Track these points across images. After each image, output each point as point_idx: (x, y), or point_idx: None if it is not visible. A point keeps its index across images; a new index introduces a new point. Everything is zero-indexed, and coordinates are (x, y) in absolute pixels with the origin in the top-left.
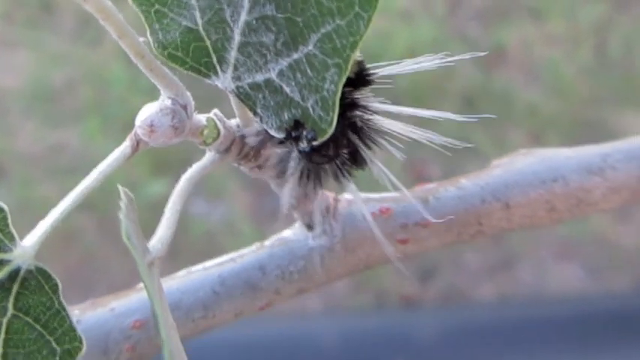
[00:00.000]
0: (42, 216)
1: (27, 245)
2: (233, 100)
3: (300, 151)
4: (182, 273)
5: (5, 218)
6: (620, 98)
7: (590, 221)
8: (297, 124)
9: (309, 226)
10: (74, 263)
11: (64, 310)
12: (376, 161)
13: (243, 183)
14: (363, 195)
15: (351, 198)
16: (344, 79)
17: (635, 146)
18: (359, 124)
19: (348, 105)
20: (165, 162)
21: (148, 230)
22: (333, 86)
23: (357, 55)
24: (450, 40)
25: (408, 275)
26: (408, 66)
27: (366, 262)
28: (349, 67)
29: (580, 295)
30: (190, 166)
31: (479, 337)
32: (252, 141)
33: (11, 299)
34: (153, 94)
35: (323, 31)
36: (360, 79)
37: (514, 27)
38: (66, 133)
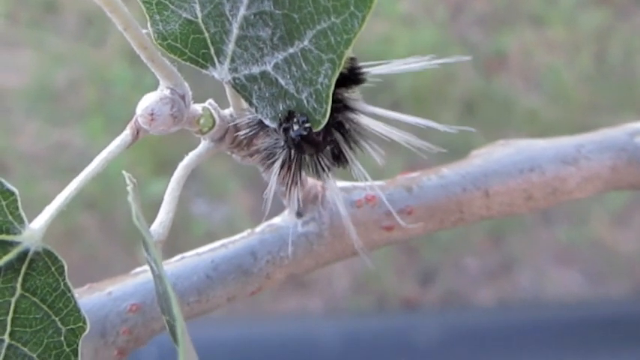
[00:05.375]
0: None
1: (35, 228)
2: (228, 91)
3: (289, 139)
4: (176, 258)
5: (15, 201)
6: (619, 105)
7: (589, 227)
8: (291, 115)
9: (298, 214)
10: (76, 261)
11: (70, 291)
12: (357, 162)
13: (245, 183)
14: (349, 183)
15: (338, 187)
16: (337, 74)
17: (607, 137)
18: (346, 125)
19: (339, 107)
20: (166, 161)
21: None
22: (327, 80)
23: (349, 54)
24: (450, 45)
25: (408, 278)
26: (397, 66)
27: (353, 248)
28: (342, 63)
29: (578, 300)
30: None
31: (478, 340)
32: (244, 130)
33: (20, 280)
34: None
35: (319, 27)
36: (352, 76)
37: (515, 33)
38: (68, 133)
